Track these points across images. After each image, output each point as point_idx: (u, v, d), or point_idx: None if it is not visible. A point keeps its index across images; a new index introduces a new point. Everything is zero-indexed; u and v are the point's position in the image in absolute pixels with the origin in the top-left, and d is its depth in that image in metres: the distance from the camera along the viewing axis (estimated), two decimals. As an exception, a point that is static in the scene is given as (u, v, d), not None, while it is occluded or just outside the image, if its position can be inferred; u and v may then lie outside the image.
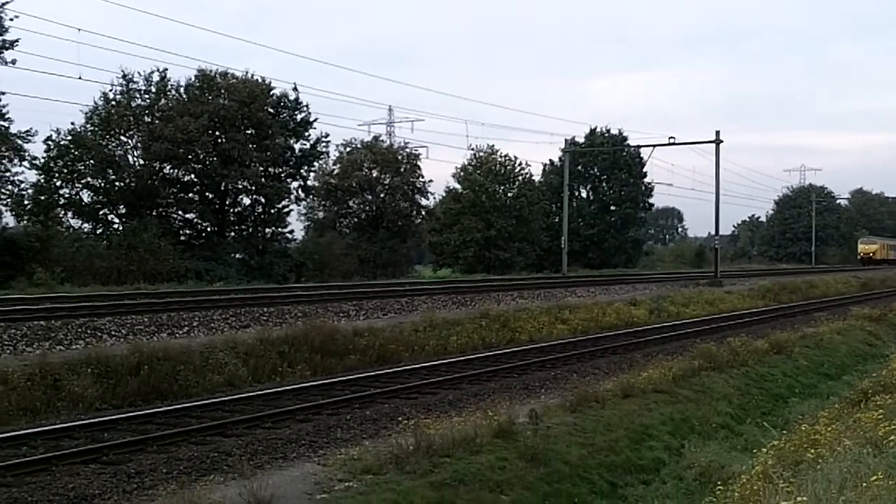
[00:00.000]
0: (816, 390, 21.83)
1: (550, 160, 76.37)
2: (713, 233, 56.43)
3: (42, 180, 43.30)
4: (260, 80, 50.08)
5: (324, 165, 59.56)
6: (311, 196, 58.91)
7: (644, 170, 76.73)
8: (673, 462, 14.16)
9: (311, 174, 56.45)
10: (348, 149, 62.46)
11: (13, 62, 36.10)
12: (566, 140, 64.57)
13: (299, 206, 58.22)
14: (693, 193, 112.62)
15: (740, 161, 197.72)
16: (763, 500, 7.70)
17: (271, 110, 50.84)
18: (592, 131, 77.01)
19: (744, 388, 20.19)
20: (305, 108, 53.00)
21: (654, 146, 56.33)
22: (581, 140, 74.90)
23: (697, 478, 13.08)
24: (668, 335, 27.17)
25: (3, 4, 35.65)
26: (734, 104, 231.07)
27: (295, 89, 52.46)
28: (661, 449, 14.67)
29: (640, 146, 71.28)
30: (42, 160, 42.96)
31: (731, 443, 15.59)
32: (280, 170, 52.45)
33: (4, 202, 38.79)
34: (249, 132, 49.31)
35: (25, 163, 38.83)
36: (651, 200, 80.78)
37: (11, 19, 35.74)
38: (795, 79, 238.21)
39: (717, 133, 52.76)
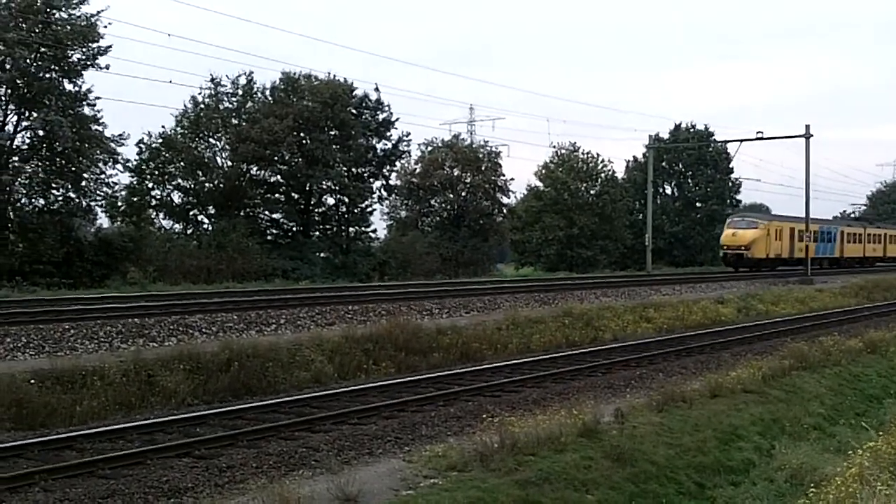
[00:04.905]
0: (913, 391, 21.14)
1: (634, 157, 75.59)
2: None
3: (134, 182, 44.80)
4: (342, 81, 50.77)
5: (406, 165, 60.05)
6: (393, 195, 59.44)
7: (731, 165, 75.38)
8: (763, 463, 13.88)
9: (394, 173, 57.03)
10: (430, 148, 62.81)
11: (107, 68, 37.27)
12: (650, 136, 64.08)
13: (382, 205, 58.87)
14: (782, 189, 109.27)
15: (831, 156, 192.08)
16: (859, 503, 7.49)
17: (354, 111, 51.43)
18: (677, 127, 75.84)
19: (836, 388, 19.67)
20: (387, 108, 53.61)
21: (742, 141, 55.21)
22: (665, 136, 73.86)
23: (789, 479, 12.81)
24: (757, 334, 26.59)
25: (98, 12, 36.86)
26: (825, 98, 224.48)
27: (377, 89, 53.12)
28: (750, 450, 14.39)
29: (726, 141, 69.89)
30: (134, 163, 44.41)
31: (823, 444, 15.19)
32: (363, 170, 53.07)
33: (99, 204, 40.08)
34: (333, 133, 50.01)
35: (119, 165, 40.09)
36: (738, 197, 79.18)
37: (105, 26, 36.92)
38: (888, 71, 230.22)
39: (807, 127, 51.41)
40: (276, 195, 50.41)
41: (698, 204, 75.84)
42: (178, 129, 46.59)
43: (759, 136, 52.42)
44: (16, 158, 36.31)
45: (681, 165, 76.45)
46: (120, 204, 43.37)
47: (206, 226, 47.55)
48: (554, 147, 65.93)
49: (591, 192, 65.28)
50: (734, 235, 55.35)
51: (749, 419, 15.67)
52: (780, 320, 31.07)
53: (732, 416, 15.48)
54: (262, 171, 49.08)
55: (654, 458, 12.63)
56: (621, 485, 11.59)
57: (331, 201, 52.40)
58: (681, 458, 13.09)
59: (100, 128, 37.84)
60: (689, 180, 76.80)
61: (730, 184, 76.45)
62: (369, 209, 54.00)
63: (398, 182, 59.39)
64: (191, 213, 47.60)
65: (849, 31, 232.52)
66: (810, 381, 19.18)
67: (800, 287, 43.27)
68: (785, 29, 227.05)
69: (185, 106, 46.99)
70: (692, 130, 75.56)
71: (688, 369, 20.02)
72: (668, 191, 77.64)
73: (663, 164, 74.31)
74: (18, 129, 36.39)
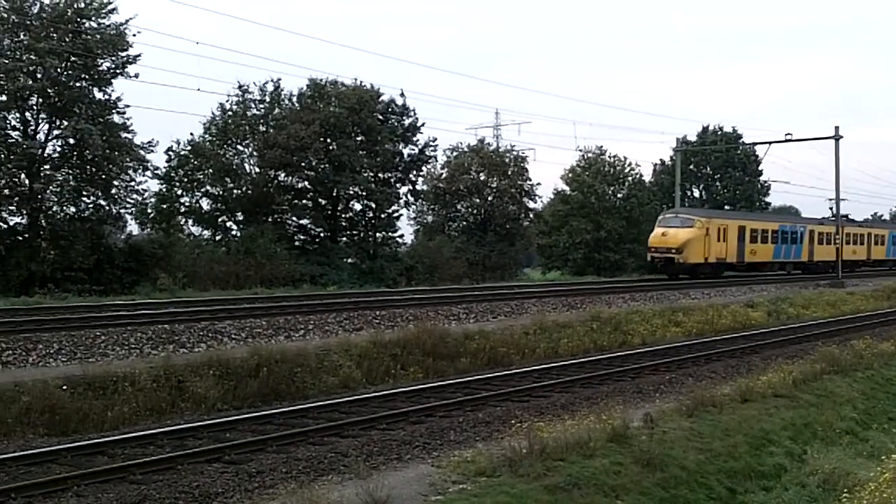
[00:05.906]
0: (948, 395, 20.83)
1: (661, 160, 75.12)
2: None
3: (163, 189, 45.16)
4: (369, 87, 50.94)
5: (432, 170, 60.06)
6: (420, 200, 59.48)
7: (759, 168, 74.77)
8: (795, 468, 13.76)
9: (420, 179, 57.06)
10: (456, 153, 62.77)
11: (136, 76, 37.63)
12: (677, 139, 63.53)
13: (409, 210, 58.87)
14: (812, 191, 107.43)
15: (863, 157, 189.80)
16: (894, 509, 7.40)
17: (380, 116, 51.52)
18: (705, 129, 75.44)
19: (869, 392, 19.47)
20: (413, 113, 53.72)
21: (770, 143, 54.79)
22: (693, 138, 73.42)
23: (821, 484, 12.69)
24: (788, 338, 26.35)
25: (127, 21, 37.22)
26: (855, 99, 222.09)
27: (402, 95, 53.22)
28: (782, 455, 14.27)
29: (754, 143, 69.37)
30: (163, 170, 44.78)
31: (856, 449, 15.06)
32: (389, 175, 53.16)
33: (129, 211, 40.41)
34: (359, 138, 50.15)
35: (148, 173, 40.39)
36: (767, 199, 78.56)
37: (134, 35, 37.24)
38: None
39: (837, 129, 50.96)
40: (304, 201, 50.64)
41: (727, 207, 75.32)
42: (207, 136, 46.96)
43: (788, 137, 52.00)
44: (47, 167, 36.70)
45: (709, 168, 76.00)
46: (149, 211, 43.72)
47: (234, 232, 47.84)
48: (580, 150, 65.77)
49: (619, 195, 64.90)
50: (664, 236, 45.66)
51: (780, 424, 15.53)
52: (811, 324, 30.81)
53: (763, 421, 15.35)
54: (290, 178, 49.31)
55: (685, 464, 12.54)
56: (651, 490, 11.53)
57: (358, 207, 52.59)
58: (711, 463, 12.99)
59: (129, 135, 38.15)
60: (718, 183, 76.32)
61: (759, 186, 75.91)
62: (396, 214, 54.10)
63: (425, 187, 59.40)
64: (219, 219, 47.89)
65: (881, 30, 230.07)
66: (842, 385, 18.99)
67: (831, 290, 42.89)
68: (815, 29, 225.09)
69: (213, 113, 47.47)
70: (720, 133, 75.11)
71: (718, 374, 19.89)
72: (697, 194, 77.15)
73: (691, 166, 73.89)
74: (49, 138, 36.79)
